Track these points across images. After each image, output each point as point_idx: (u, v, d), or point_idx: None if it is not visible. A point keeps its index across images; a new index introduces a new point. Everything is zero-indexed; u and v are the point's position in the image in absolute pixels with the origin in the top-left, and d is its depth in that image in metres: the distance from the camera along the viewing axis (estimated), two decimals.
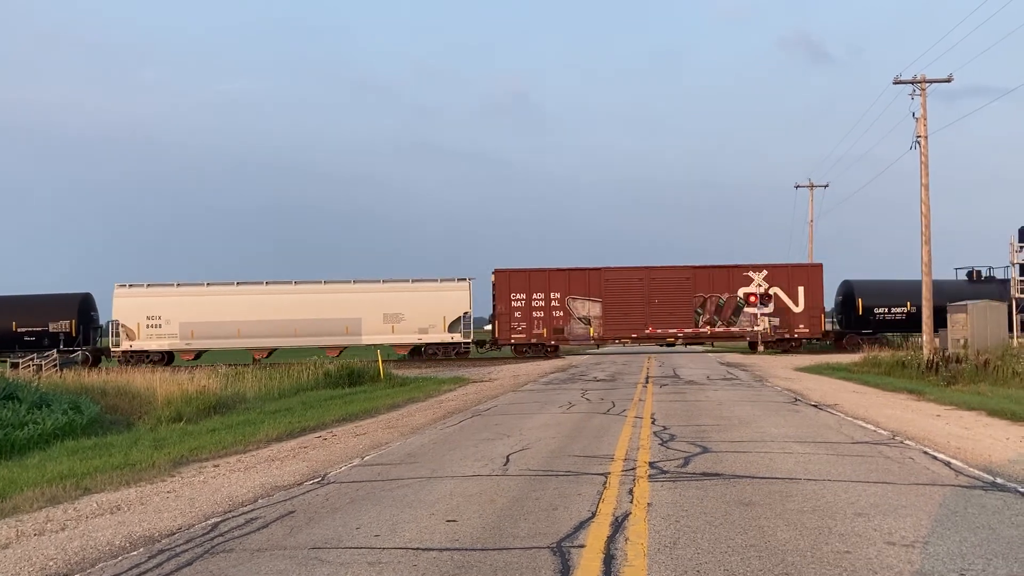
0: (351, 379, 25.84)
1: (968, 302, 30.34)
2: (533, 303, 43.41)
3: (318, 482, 8.99)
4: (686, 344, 46.26)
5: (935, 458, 9.57)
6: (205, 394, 18.49)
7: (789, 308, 43.75)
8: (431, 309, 42.29)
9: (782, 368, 30.86)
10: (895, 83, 30.25)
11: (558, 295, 43.46)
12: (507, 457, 10.17)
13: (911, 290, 45.03)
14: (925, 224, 29.72)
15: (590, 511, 6.98)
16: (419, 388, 23.87)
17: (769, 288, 43.65)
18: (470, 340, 42.92)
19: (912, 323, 44.96)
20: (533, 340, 43.27)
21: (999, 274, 44.86)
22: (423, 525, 6.68)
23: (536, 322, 43.36)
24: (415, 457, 10.58)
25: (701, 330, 43.85)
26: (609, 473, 8.82)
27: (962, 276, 46.65)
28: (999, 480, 8.18)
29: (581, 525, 6.50)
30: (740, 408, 15.83)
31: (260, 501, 8.05)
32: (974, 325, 28.43)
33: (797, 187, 57.51)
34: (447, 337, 42.35)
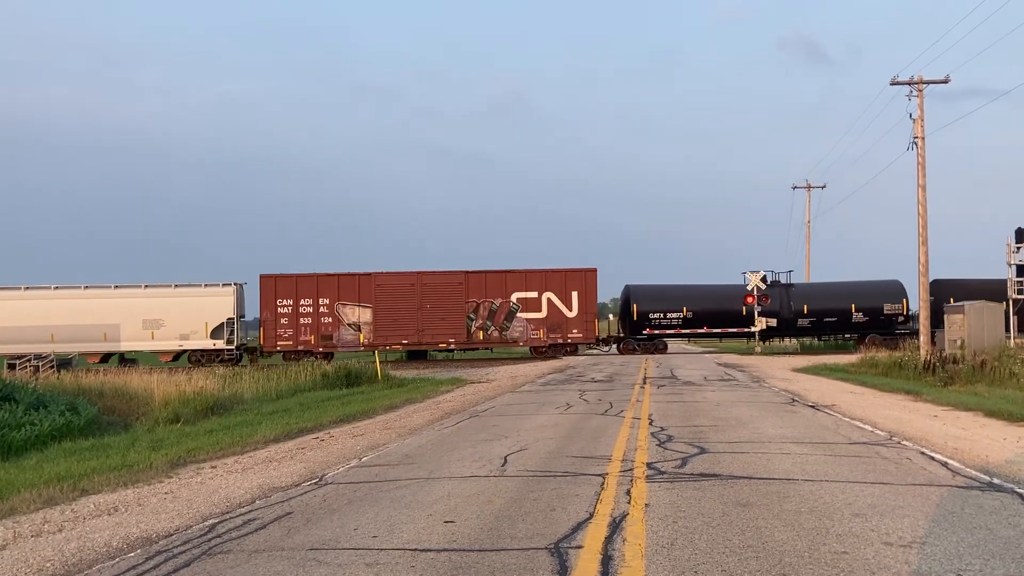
0: (349, 380, 25.84)
1: (965, 303, 30.37)
2: (301, 309, 42.16)
3: (316, 483, 8.99)
4: (464, 351, 45.26)
5: (932, 459, 9.58)
6: (203, 395, 18.47)
7: (563, 313, 43.24)
8: (193, 315, 40.87)
9: (780, 369, 30.92)
10: (892, 84, 30.33)
11: (327, 301, 42.26)
12: (505, 458, 10.18)
13: (689, 295, 45.99)
14: (922, 225, 29.77)
15: (588, 512, 6.98)
16: (417, 389, 23.86)
17: (543, 293, 43.04)
18: (234, 347, 41.01)
19: (687, 326, 45.71)
20: (300, 347, 41.68)
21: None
22: (421, 526, 6.68)
23: (303, 328, 42.09)
24: (413, 458, 10.58)
25: (475, 336, 43.00)
26: (607, 474, 8.83)
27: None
28: (996, 480, 8.20)
29: (579, 526, 6.51)
30: (737, 409, 15.84)
31: (258, 502, 8.05)
32: (971, 326, 28.46)
33: (795, 188, 57.75)
34: (209, 344, 40.73)
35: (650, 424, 13.42)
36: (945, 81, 30.19)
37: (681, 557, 5.57)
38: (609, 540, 6.06)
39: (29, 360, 34.15)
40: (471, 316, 42.86)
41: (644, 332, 45.59)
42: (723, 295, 46.79)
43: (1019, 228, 29.82)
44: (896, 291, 46.80)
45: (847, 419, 13.87)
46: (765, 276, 46.83)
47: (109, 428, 15.37)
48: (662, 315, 45.34)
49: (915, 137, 29.79)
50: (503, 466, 9.59)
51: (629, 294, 46.38)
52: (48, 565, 6.03)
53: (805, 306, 46.12)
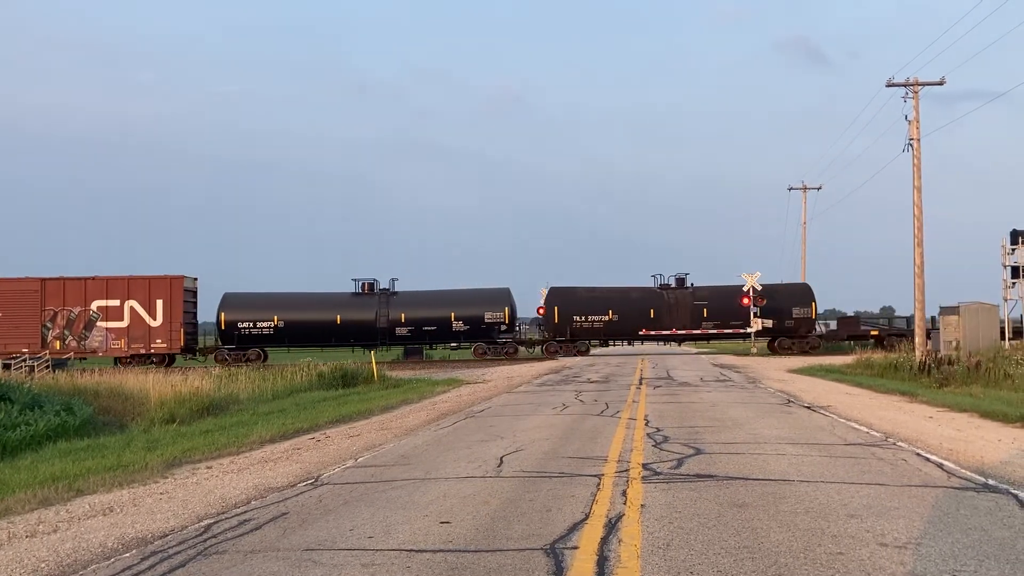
0: (345, 381, 25.81)
1: (961, 304, 30.46)
2: None
3: (311, 483, 8.98)
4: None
5: (928, 460, 9.60)
6: (198, 395, 18.43)
7: (147, 323, 41.25)
8: None
9: (775, 370, 30.95)
10: (888, 85, 30.37)
11: None
12: (501, 459, 10.18)
13: (283, 303, 44.77)
14: (918, 226, 29.83)
15: (584, 513, 6.98)
16: (413, 389, 23.85)
17: (125, 301, 41.30)
18: None
19: (278, 337, 43.55)
20: None
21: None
22: (417, 527, 6.68)
23: None
24: (409, 459, 10.57)
25: (51, 345, 40.74)
26: (603, 475, 8.83)
27: (356, 288, 46.08)
28: (991, 482, 8.21)
29: (575, 527, 6.51)
30: (733, 410, 15.86)
31: (253, 503, 8.04)
32: (966, 327, 28.54)
33: (790, 189, 57.81)
34: None
35: (646, 425, 13.43)
36: (940, 83, 30.25)
37: (677, 558, 5.57)
38: (605, 541, 6.06)
39: (24, 360, 34.07)
40: (47, 325, 40.83)
41: (233, 342, 43.76)
42: (321, 302, 45.35)
43: (1014, 230, 29.90)
44: (500, 298, 45.71)
45: (843, 420, 13.89)
46: (372, 283, 45.54)
47: (104, 428, 15.34)
48: (251, 324, 43.85)
49: (910, 139, 29.84)
50: (499, 467, 9.59)
51: (222, 301, 44.56)
52: (43, 565, 6.02)
53: (403, 315, 44.73)
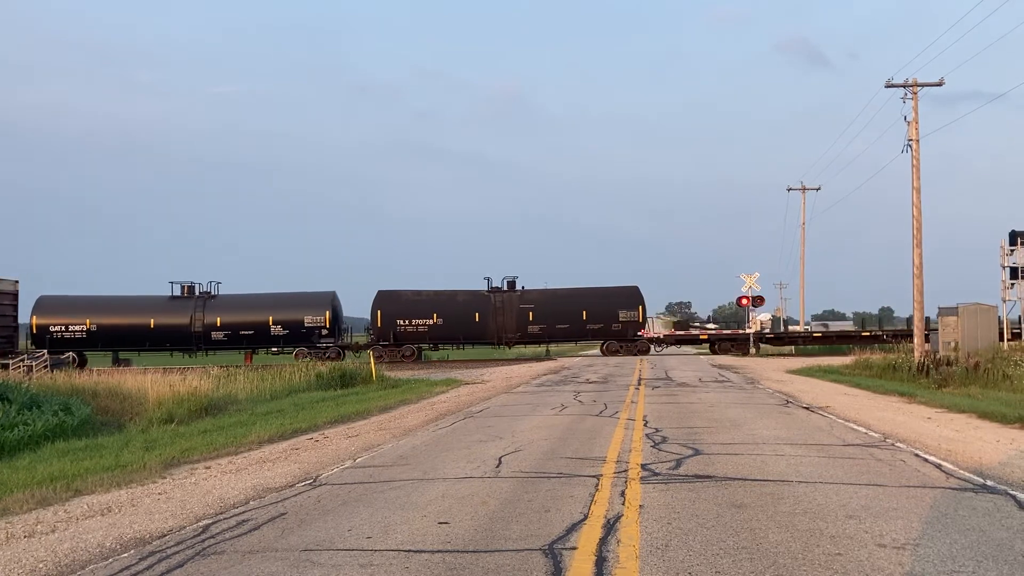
0: (343, 381, 25.79)
1: (959, 305, 30.48)
2: None
3: (310, 484, 8.97)
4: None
5: (926, 460, 9.60)
6: (196, 395, 18.41)
7: None
8: None
9: (773, 371, 30.96)
10: (887, 86, 30.35)
11: None
12: (499, 459, 10.17)
13: (95, 305, 43.91)
14: (916, 227, 29.81)
15: (582, 513, 6.98)
16: (411, 390, 23.83)
17: None
18: None
19: (91, 341, 42.85)
20: None
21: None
22: (415, 527, 6.68)
23: None
24: (407, 459, 10.57)
25: None
26: (601, 475, 8.83)
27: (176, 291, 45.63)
28: (989, 482, 8.22)
29: (573, 527, 6.51)
30: (732, 410, 15.86)
31: (251, 503, 8.03)
32: (964, 328, 28.55)
33: (789, 190, 57.80)
34: None
35: (645, 425, 13.42)
36: (939, 84, 30.24)
37: (675, 558, 5.57)
38: (603, 541, 6.06)
39: (23, 359, 34.04)
40: None
41: (46, 346, 41.84)
42: (135, 306, 44.78)
43: (1012, 231, 29.91)
44: (321, 302, 44.81)
45: (841, 421, 13.89)
46: (191, 286, 44.76)
47: (103, 428, 15.32)
48: (63, 328, 43.23)
49: (909, 139, 29.83)
50: (498, 467, 9.58)
51: (36, 304, 44.10)
52: (41, 566, 6.01)
53: (219, 319, 44.03)
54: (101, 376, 22.66)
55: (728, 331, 50.24)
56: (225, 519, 7.30)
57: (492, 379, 28.94)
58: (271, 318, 43.91)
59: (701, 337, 49.67)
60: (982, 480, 8.34)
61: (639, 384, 24.05)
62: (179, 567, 5.76)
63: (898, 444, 10.98)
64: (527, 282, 47.21)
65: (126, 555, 6.20)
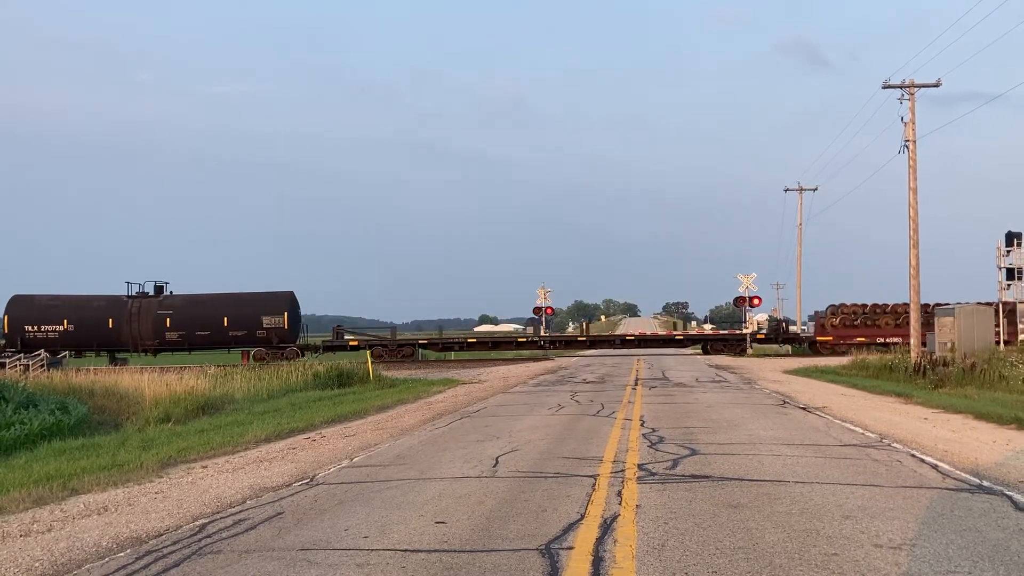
0: (340, 380, 25.78)
1: (956, 305, 30.49)
2: None
3: (307, 483, 8.97)
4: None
5: (922, 461, 9.62)
6: (193, 395, 18.41)
7: None
8: None
9: (770, 371, 30.99)
10: (884, 87, 30.35)
11: None
12: (496, 459, 10.17)
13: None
14: (913, 228, 29.83)
15: (579, 513, 6.98)
16: (409, 389, 23.83)
17: None
18: None
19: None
20: None
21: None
22: (412, 527, 6.68)
23: None
24: (404, 459, 10.56)
25: None
26: (598, 475, 8.83)
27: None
28: (986, 483, 8.23)
29: (570, 527, 6.51)
30: (729, 410, 15.87)
31: (248, 502, 8.03)
32: (961, 329, 28.56)
33: (787, 190, 57.85)
34: None
35: (641, 425, 13.43)
36: (936, 85, 30.25)
37: (672, 558, 5.57)
38: (600, 541, 6.06)
39: (19, 358, 34.00)
40: None
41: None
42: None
43: (1009, 232, 29.95)
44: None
45: (838, 421, 13.91)
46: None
47: (99, 427, 15.30)
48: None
49: (906, 140, 29.83)
50: (494, 467, 9.58)
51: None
52: (37, 565, 6.00)
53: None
54: (98, 375, 22.63)
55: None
56: (222, 518, 7.29)
57: (489, 379, 28.95)
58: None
59: (351, 343, 47.01)
60: (978, 481, 8.35)
61: (636, 384, 24.06)
62: (175, 566, 5.76)
63: (894, 444, 11.00)
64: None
65: (122, 554, 6.19)
